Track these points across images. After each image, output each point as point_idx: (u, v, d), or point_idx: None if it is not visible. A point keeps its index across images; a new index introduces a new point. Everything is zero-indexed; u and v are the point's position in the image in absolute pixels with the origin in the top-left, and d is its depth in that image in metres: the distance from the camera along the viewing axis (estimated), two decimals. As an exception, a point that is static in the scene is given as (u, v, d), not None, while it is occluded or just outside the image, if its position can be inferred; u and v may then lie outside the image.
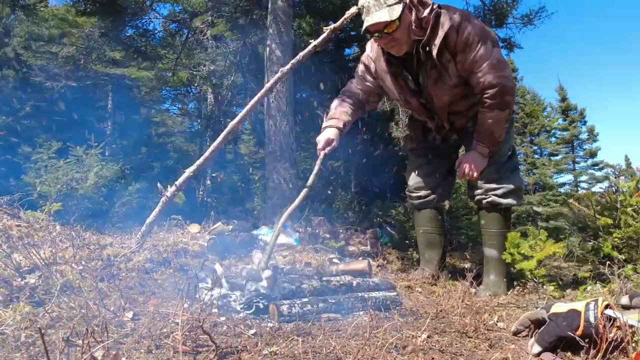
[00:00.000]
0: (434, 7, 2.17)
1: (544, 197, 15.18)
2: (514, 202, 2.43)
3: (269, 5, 5.21)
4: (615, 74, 60.50)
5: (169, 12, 8.29)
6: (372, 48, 2.49)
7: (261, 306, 1.65)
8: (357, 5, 2.25)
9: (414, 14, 2.15)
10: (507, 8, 6.43)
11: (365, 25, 2.15)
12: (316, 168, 2.30)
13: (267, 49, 5.24)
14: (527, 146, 18.47)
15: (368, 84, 2.55)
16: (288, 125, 5.05)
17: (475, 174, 2.38)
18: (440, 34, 2.13)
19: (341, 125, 2.42)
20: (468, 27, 2.13)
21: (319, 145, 2.37)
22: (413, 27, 2.16)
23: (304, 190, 2.24)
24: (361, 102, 2.57)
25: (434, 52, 2.16)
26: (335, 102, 2.55)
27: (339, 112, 2.47)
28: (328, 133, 2.40)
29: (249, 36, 7.81)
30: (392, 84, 2.42)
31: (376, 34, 2.20)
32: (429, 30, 2.14)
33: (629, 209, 2.53)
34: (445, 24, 2.13)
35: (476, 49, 2.14)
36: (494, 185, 2.40)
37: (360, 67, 2.58)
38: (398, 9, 2.09)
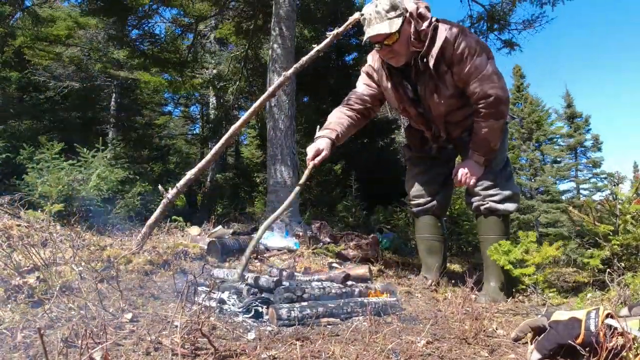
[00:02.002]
0: (432, 20, 2.26)
1: (546, 204, 15.19)
2: (511, 207, 2.47)
3: (273, 9, 5.25)
4: (628, 81, 60.51)
5: (172, 16, 8.33)
6: (373, 59, 2.56)
7: (260, 310, 1.65)
8: (359, 11, 2.31)
9: (413, 26, 2.23)
10: (506, 13, 6.67)
11: (366, 36, 2.24)
12: (303, 178, 2.28)
13: (270, 50, 5.27)
14: (531, 152, 18.47)
15: (371, 89, 2.60)
16: (289, 128, 5.06)
17: (471, 182, 2.45)
18: (437, 46, 2.22)
19: (333, 137, 2.39)
20: (464, 40, 2.22)
21: (308, 156, 2.33)
22: (412, 39, 2.24)
23: (290, 197, 2.21)
24: (362, 111, 2.57)
25: (431, 64, 2.24)
26: (332, 113, 2.53)
27: (334, 123, 2.45)
28: (319, 143, 2.36)
29: (253, 40, 7.86)
30: (393, 93, 2.49)
31: (376, 45, 2.28)
32: (427, 43, 2.23)
33: (627, 216, 2.53)
34: (442, 37, 2.21)
35: (471, 61, 2.22)
36: (491, 192, 2.44)
37: (363, 75, 2.64)
38: (398, 21, 2.17)
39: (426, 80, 2.32)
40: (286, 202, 2.17)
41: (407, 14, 2.22)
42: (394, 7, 2.18)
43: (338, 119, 2.47)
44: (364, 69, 2.62)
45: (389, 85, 2.46)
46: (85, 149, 3.94)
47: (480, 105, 2.28)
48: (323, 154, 2.33)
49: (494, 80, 2.24)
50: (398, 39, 2.20)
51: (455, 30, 2.23)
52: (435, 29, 2.23)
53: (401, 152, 8.27)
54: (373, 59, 2.56)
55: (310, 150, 2.34)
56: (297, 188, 2.30)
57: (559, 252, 2.31)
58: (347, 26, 2.47)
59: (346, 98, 2.59)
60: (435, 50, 2.22)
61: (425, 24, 2.23)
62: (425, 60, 2.26)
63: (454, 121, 2.49)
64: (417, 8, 2.25)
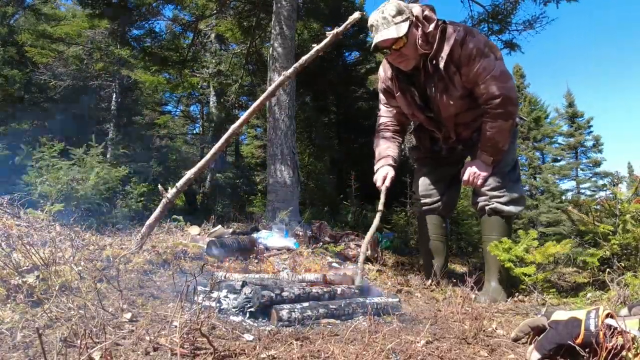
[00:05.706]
0: (439, 22, 2.26)
1: (546, 203, 15.18)
2: (516, 210, 2.47)
3: (274, 8, 5.24)
4: (624, 83, 60.49)
5: (174, 14, 8.32)
6: (384, 69, 2.60)
7: (253, 310, 1.64)
8: (360, 11, 2.32)
9: (420, 29, 2.25)
10: (508, 12, 6.69)
11: (374, 42, 2.25)
12: (382, 201, 2.50)
13: (271, 49, 5.26)
14: (529, 151, 18.46)
15: (393, 109, 2.68)
16: (289, 127, 5.06)
17: (479, 182, 2.45)
18: (447, 47, 2.22)
19: (390, 161, 2.62)
20: (472, 41, 2.22)
21: (378, 183, 2.58)
22: (419, 42, 2.25)
23: (377, 216, 2.45)
24: (397, 129, 2.73)
25: (441, 65, 2.24)
26: (376, 143, 2.73)
27: (384, 151, 2.66)
28: (383, 171, 2.60)
29: (255, 38, 7.85)
30: (402, 99, 2.51)
31: (385, 51, 2.30)
32: (435, 44, 2.23)
33: (627, 216, 2.53)
34: (450, 38, 2.22)
35: (479, 62, 2.22)
36: (497, 193, 2.45)
37: (381, 96, 2.71)
38: (405, 26, 2.18)
39: (435, 82, 2.33)
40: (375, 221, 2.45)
41: (414, 18, 2.23)
42: (400, 12, 2.20)
43: (384, 146, 2.68)
44: (379, 87, 2.68)
45: (398, 91, 2.50)
46: (78, 149, 3.91)
47: (489, 106, 2.28)
48: (390, 175, 2.56)
49: (502, 80, 2.24)
50: (406, 42, 2.22)
51: (462, 31, 2.23)
52: (443, 30, 2.24)
53: (409, 153, 8.30)
54: (383, 70, 2.60)
55: (378, 178, 2.58)
56: (381, 205, 2.48)
57: (566, 249, 2.31)
58: (347, 25, 2.47)
59: (377, 124, 2.75)
60: (444, 52, 2.22)
61: (432, 25, 2.24)
62: (434, 62, 2.26)
63: (463, 122, 2.49)
64: (423, 11, 2.27)
